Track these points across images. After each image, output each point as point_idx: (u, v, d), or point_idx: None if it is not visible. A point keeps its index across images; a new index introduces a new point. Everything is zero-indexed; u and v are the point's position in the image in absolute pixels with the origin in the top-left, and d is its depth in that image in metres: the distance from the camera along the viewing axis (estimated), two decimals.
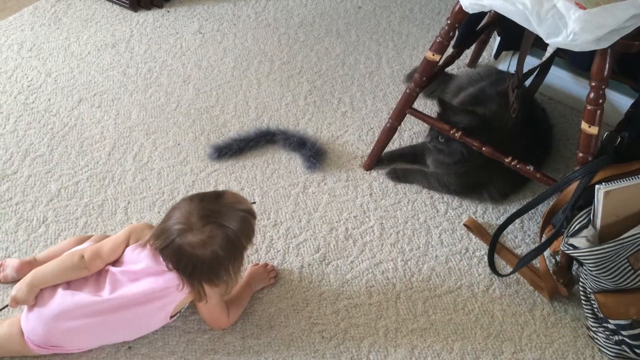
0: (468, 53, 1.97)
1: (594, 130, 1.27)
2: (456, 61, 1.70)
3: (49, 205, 1.57)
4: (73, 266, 1.22)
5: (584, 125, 1.28)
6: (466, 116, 1.53)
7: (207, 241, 1.13)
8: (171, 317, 1.26)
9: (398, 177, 1.68)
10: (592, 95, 1.24)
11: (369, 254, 1.51)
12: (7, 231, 1.51)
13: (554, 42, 1.14)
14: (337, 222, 1.58)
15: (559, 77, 1.88)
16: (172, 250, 1.14)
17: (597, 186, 1.20)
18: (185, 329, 1.34)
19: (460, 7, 1.31)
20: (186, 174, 1.68)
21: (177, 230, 1.13)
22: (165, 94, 1.92)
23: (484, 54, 2.05)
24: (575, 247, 1.23)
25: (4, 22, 2.18)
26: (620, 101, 1.77)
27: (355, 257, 1.50)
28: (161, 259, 1.17)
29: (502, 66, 2.00)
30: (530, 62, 1.62)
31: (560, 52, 1.55)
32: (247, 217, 1.20)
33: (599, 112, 1.25)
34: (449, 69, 1.75)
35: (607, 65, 1.20)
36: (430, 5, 2.31)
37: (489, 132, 1.51)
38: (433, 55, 1.46)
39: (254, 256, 1.49)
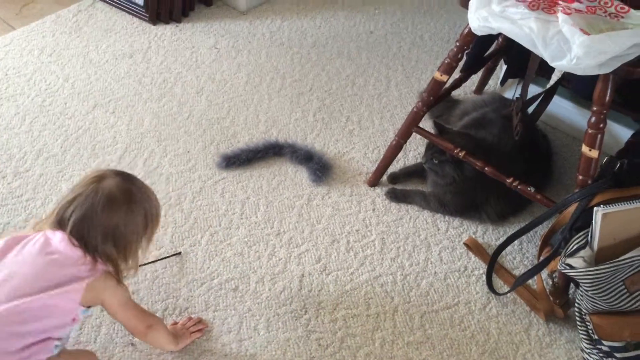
0: (475, 80, 2.01)
1: (594, 153, 1.30)
2: (463, 86, 1.75)
3: None
4: None
5: (585, 149, 1.31)
6: (461, 139, 1.57)
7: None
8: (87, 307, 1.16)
9: (397, 197, 1.71)
10: (593, 119, 1.28)
11: (369, 267, 1.53)
12: (16, 226, 1.54)
13: (558, 65, 1.18)
14: (339, 234, 1.60)
15: (563, 107, 1.92)
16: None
17: (595, 208, 1.23)
18: None
19: (469, 29, 1.36)
20: (194, 181, 1.71)
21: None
22: (178, 104, 1.97)
23: (491, 82, 2.09)
24: (572, 267, 1.25)
25: (26, 28, 2.25)
26: (621, 132, 1.80)
27: (355, 269, 1.52)
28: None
29: (508, 94, 2.04)
30: (534, 90, 1.67)
31: (564, 81, 1.60)
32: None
33: (599, 136, 1.29)
34: (455, 93, 1.79)
35: (609, 91, 1.24)
36: (440, 34, 2.37)
37: (486, 154, 1.54)
38: (441, 75, 1.50)
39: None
